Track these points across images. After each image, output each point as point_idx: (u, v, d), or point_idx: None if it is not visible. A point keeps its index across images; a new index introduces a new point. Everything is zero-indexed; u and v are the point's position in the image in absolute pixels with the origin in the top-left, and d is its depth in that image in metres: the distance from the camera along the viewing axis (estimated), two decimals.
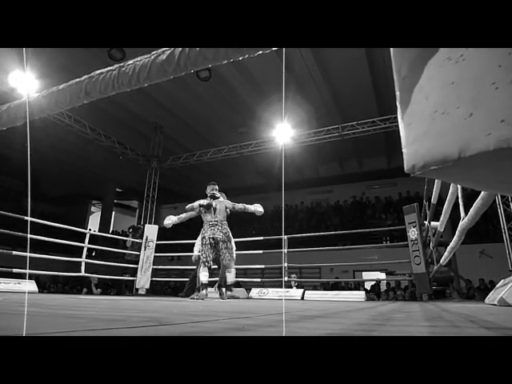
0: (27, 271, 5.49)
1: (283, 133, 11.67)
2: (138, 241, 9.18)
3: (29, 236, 5.59)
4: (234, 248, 5.62)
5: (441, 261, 5.23)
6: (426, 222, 6.51)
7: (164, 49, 0.92)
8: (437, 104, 0.44)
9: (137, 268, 9.20)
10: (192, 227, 19.08)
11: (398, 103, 0.50)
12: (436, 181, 4.33)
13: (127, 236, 11.11)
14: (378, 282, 11.40)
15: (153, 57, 0.94)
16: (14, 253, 5.74)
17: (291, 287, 9.49)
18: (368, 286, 11.81)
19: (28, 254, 5.51)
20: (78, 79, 1.10)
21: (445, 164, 0.42)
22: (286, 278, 9.04)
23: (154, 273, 9.81)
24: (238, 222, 18.27)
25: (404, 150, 0.47)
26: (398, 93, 0.50)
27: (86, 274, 8.01)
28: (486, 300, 4.84)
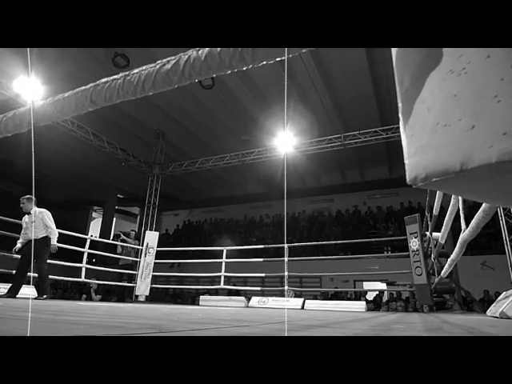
0: (31, 274, 5.48)
1: (285, 141, 11.69)
2: (126, 245, 9.15)
3: (33, 240, 5.58)
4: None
5: (441, 273, 5.21)
6: (428, 233, 6.49)
7: (169, 58, 0.93)
8: (439, 116, 0.44)
9: (133, 274, 9.18)
10: (193, 235, 19.06)
11: (400, 114, 0.50)
12: (438, 192, 4.33)
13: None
14: (381, 293, 11.33)
15: (158, 66, 0.94)
16: (15, 256, 5.78)
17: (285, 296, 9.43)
18: (369, 296, 11.72)
19: (32, 258, 5.51)
20: (83, 87, 1.11)
21: (447, 176, 0.42)
22: (287, 287, 9.00)
23: (154, 280, 9.78)
24: (238, 230, 18.25)
25: (406, 162, 0.47)
26: (400, 104, 0.50)
27: (86, 280, 8.01)
28: (488, 312, 4.80)
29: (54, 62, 8.92)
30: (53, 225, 5.81)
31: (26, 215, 5.87)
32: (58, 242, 5.85)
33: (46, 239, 5.71)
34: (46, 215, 5.81)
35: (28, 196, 5.88)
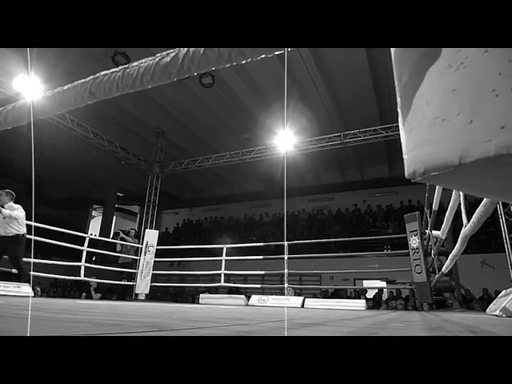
0: (31, 272, 5.47)
1: (285, 140, 11.69)
2: (125, 243, 9.15)
3: (33, 239, 5.56)
4: None
5: (443, 268, 5.21)
6: (428, 231, 6.50)
7: (168, 51, 0.93)
8: (437, 111, 0.44)
9: (132, 273, 9.17)
10: (193, 234, 19.06)
11: (398, 109, 0.50)
12: (437, 188, 4.33)
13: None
14: (381, 291, 11.32)
15: (157, 59, 0.95)
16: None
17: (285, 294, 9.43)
18: (369, 294, 11.72)
19: (32, 260, 5.50)
20: (82, 80, 1.12)
21: (445, 170, 0.42)
22: (287, 285, 9.02)
23: (154, 278, 9.78)
24: (238, 228, 18.25)
25: (405, 156, 0.47)
26: (398, 99, 0.50)
27: (85, 278, 8.00)
28: (488, 310, 4.81)
29: (54, 61, 8.90)
30: (23, 222, 5.69)
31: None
32: (57, 240, 5.82)
33: (19, 237, 5.60)
34: (21, 211, 5.71)
35: (7, 190, 5.78)
